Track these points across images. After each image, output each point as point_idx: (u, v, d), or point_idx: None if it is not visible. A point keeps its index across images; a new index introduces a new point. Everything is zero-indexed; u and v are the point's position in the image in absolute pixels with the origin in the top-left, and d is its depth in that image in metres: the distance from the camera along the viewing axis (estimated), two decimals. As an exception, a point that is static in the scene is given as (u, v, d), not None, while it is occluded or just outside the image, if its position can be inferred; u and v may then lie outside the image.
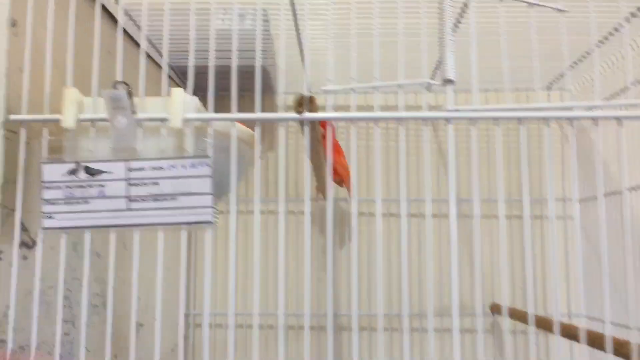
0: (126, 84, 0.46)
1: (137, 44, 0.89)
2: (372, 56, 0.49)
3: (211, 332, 1.19)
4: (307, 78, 0.47)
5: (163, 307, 0.52)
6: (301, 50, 0.95)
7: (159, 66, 1.01)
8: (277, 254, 1.15)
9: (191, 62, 0.48)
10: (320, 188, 1.02)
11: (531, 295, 0.98)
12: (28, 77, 0.49)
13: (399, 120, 0.47)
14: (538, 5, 0.45)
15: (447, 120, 0.46)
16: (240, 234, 1.18)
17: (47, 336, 0.61)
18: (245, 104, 0.51)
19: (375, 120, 0.47)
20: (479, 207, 0.47)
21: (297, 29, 0.86)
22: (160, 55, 0.97)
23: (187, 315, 1.19)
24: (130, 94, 0.46)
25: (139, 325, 0.87)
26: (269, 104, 1.18)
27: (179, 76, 1.10)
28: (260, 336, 1.16)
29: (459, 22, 0.81)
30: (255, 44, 0.90)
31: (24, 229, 0.53)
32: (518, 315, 1.01)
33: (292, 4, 0.77)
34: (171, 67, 1.07)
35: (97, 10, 0.50)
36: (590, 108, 0.48)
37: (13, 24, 0.49)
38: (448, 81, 0.46)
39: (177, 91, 0.47)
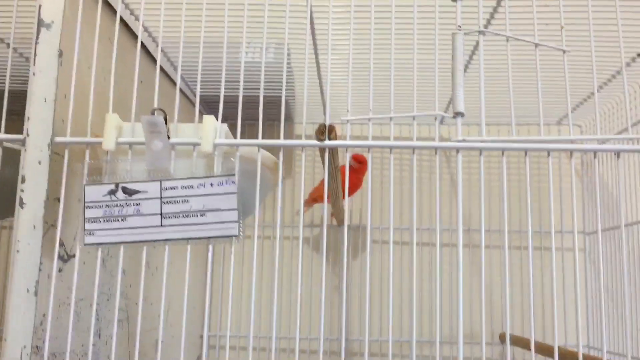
0: (162, 110, 0.50)
1: (167, 74, 0.95)
2: (388, 89, 0.53)
3: (224, 354, 1.21)
4: (328, 108, 0.51)
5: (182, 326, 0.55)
6: (320, 83, 1.00)
7: (185, 95, 1.06)
8: (289, 279, 1.18)
9: (222, 92, 0.53)
10: (335, 214, 1.05)
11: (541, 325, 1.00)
12: (72, 104, 0.53)
13: (412, 148, 0.50)
14: (543, 45, 0.49)
15: (457, 150, 0.50)
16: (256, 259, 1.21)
17: (76, 345, 0.64)
18: (266, 132, 0.55)
19: (391, 148, 0.50)
20: (483, 236, 0.50)
21: (317, 63, 0.91)
22: (187, 84, 1.03)
23: (202, 336, 1.22)
24: (166, 120, 0.50)
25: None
26: (287, 133, 1.22)
27: (203, 105, 1.15)
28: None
29: (470, 60, 0.85)
30: (276, 76, 0.94)
31: (60, 243, 0.57)
32: (523, 344, 1.03)
33: (314, 39, 0.82)
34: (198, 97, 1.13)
35: (138, 44, 0.55)
36: (594, 141, 0.51)
37: (60, 54, 0.54)
38: (458, 113, 0.49)
39: (209, 118, 0.51)
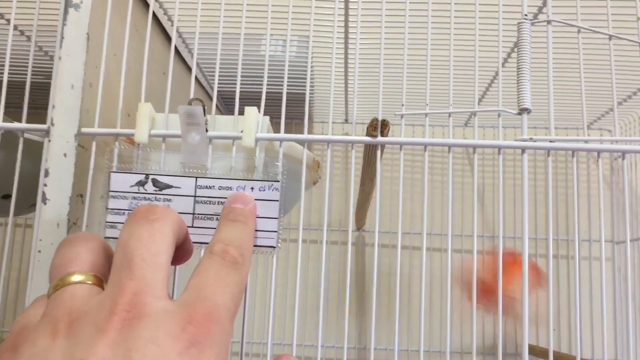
0: (201, 100, 0.46)
1: (189, 68, 0.90)
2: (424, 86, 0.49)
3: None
4: (380, 102, 0.47)
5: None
6: (346, 79, 0.96)
7: (203, 88, 1.02)
8: (314, 283, 1.14)
9: (264, 87, 0.49)
10: (357, 217, 1.01)
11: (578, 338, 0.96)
12: (100, 92, 0.49)
13: (473, 147, 0.46)
14: (618, 37, 0.45)
15: (523, 150, 0.45)
16: (280, 263, 1.17)
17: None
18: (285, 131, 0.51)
19: (450, 146, 0.46)
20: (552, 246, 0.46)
21: (346, 57, 0.87)
22: (206, 79, 0.98)
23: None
24: (204, 111, 0.46)
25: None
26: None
27: (220, 102, 1.11)
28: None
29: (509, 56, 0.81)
30: (299, 71, 0.90)
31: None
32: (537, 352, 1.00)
33: (346, 31, 0.78)
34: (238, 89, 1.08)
35: (174, 35, 0.51)
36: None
37: (88, 37, 0.50)
38: (524, 109, 0.45)
39: (252, 110, 0.47)
